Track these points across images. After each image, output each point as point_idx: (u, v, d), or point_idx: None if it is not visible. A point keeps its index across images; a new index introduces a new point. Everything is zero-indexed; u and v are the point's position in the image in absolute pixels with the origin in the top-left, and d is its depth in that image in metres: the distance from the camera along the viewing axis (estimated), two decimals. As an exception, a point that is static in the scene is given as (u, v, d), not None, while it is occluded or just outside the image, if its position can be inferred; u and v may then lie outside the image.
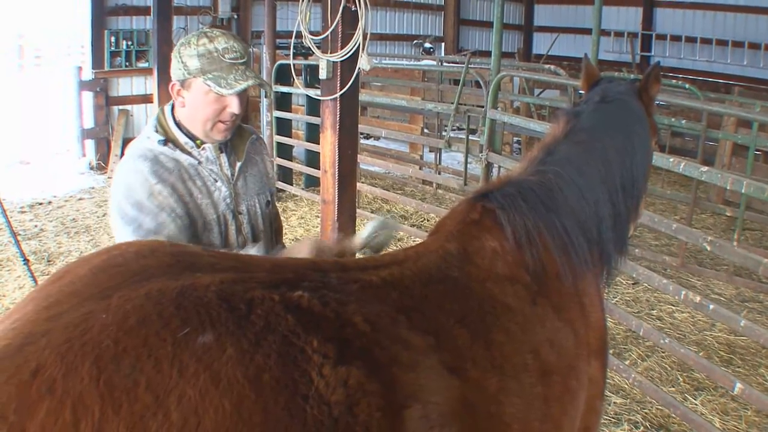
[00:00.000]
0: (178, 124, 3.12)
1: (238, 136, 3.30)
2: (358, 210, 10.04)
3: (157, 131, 3.10)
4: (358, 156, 10.09)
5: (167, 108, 3.18)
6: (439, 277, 2.11)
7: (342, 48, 5.33)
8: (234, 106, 3.02)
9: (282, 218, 10.33)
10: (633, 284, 8.07)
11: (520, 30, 24.54)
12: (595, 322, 2.56)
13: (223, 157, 3.20)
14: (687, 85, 9.07)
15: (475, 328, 2.00)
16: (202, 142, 3.13)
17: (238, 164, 3.27)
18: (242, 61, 3.03)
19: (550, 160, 2.68)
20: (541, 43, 23.07)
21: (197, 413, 1.29)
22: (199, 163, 3.11)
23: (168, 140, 3.08)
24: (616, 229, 2.78)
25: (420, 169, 11.96)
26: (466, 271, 2.21)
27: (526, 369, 2.07)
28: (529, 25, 24.49)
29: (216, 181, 3.15)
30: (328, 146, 5.67)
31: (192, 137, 3.11)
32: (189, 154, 3.09)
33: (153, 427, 1.26)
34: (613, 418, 5.46)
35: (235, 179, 3.25)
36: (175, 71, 3.02)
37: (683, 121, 8.19)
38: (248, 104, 13.08)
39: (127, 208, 2.93)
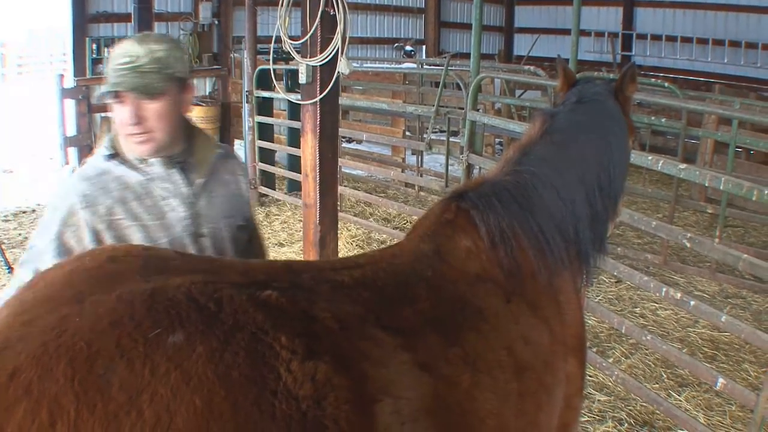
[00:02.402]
0: None
1: (199, 152, 3.01)
2: (340, 213, 10.07)
3: (108, 146, 2.87)
4: (341, 160, 10.12)
5: None
6: (412, 277, 2.15)
7: (321, 52, 5.35)
8: (125, 116, 2.71)
9: (265, 223, 10.28)
10: (616, 282, 8.12)
11: (501, 31, 24.62)
12: (572, 320, 2.59)
13: (176, 174, 2.90)
14: (666, 84, 9.12)
15: (447, 326, 2.04)
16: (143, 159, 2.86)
17: (200, 182, 2.97)
18: (132, 66, 2.70)
19: (525, 160, 2.71)
20: (522, 45, 23.16)
21: (169, 411, 1.33)
22: (150, 180, 2.85)
23: (115, 155, 2.85)
24: (593, 229, 2.80)
25: (402, 171, 11.99)
26: (439, 270, 2.24)
27: (500, 365, 2.10)
28: (510, 26, 24.58)
29: (169, 200, 2.88)
30: (308, 150, 5.69)
31: None
32: (137, 169, 2.84)
33: (127, 425, 1.29)
34: (597, 415, 5.50)
35: (196, 198, 2.95)
36: None
37: (663, 120, 8.23)
38: (230, 109, 13.06)
39: (42, 224, 2.80)
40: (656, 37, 20.00)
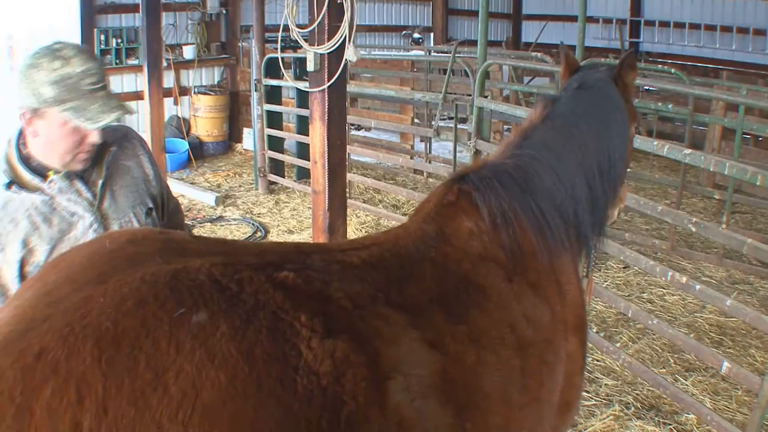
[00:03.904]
0: (24, 159, 2.83)
1: (97, 153, 2.96)
2: (349, 200, 10.10)
3: (4, 171, 2.80)
4: (350, 147, 10.16)
5: (14, 140, 2.87)
6: (416, 257, 2.21)
7: (329, 40, 5.38)
8: (95, 137, 2.77)
9: (275, 210, 10.32)
10: (624, 268, 8.16)
11: (509, 19, 24.54)
12: (572, 300, 2.65)
13: (78, 183, 2.88)
14: (673, 70, 9.12)
15: (453, 304, 2.11)
16: (56, 171, 2.83)
17: (100, 182, 2.95)
18: (101, 85, 2.75)
19: (526, 144, 2.77)
20: (531, 32, 23.05)
21: (195, 387, 1.38)
22: (52, 197, 2.82)
23: (13, 182, 2.78)
24: (594, 212, 2.86)
25: (411, 158, 12.02)
26: (442, 250, 2.30)
27: (504, 342, 2.17)
28: (518, 13, 24.50)
29: (75, 210, 2.86)
30: (317, 137, 5.72)
31: (40, 171, 2.82)
32: (38, 190, 2.80)
33: (154, 401, 1.34)
34: (604, 399, 5.55)
35: (99, 201, 2.93)
36: (26, 97, 2.70)
37: (670, 106, 8.23)
38: (239, 98, 13.11)
39: None
40: (664, 24, 19.90)
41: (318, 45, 5.46)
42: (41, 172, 2.82)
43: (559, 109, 2.95)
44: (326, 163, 5.74)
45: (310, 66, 5.56)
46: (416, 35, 19.94)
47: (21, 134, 2.86)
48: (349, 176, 10.35)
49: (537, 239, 2.53)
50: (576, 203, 2.74)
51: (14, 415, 1.29)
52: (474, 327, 2.09)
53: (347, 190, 10.27)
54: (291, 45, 10.76)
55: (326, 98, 5.59)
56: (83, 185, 2.89)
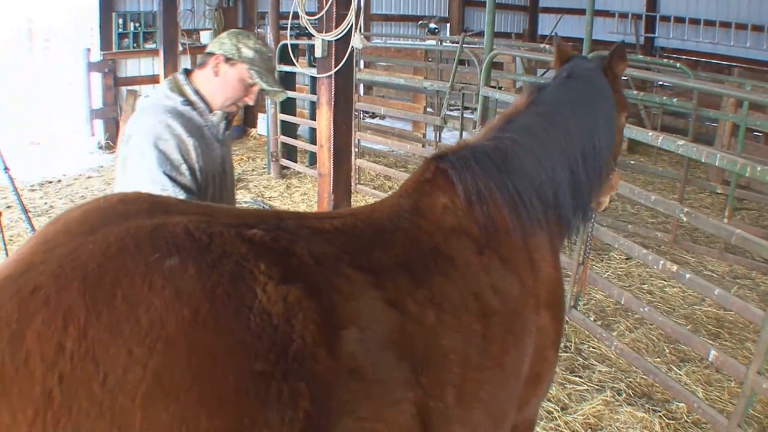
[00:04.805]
0: (195, 91, 3.63)
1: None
2: (359, 186, 10.25)
3: (173, 92, 3.60)
4: (361, 134, 10.28)
5: (180, 76, 3.69)
6: (389, 227, 2.36)
7: (336, 28, 5.52)
8: (253, 99, 3.72)
9: (286, 194, 10.48)
10: (626, 259, 8.24)
11: (526, 11, 24.65)
12: (546, 276, 2.76)
13: (222, 125, 3.75)
14: (678, 65, 9.19)
15: (418, 270, 2.25)
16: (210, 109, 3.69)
17: (227, 133, 3.86)
18: (274, 72, 3.77)
19: (508, 128, 2.87)
20: (547, 24, 23.14)
21: (161, 319, 1.57)
22: (205, 126, 3.64)
23: (190, 102, 3.61)
24: (576, 196, 2.95)
25: (423, 146, 12.13)
26: (415, 223, 2.45)
27: (466, 308, 2.31)
28: (535, 6, 24.58)
29: (214, 143, 3.69)
30: (323, 122, 5.87)
31: (206, 103, 3.65)
32: (201, 116, 3.63)
33: (126, 330, 1.54)
34: (597, 385, 5.63)
35: (224, 145, 3.83)
36: (227, 48, 3.59)
37: (674, 100, 8.27)
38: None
39: (157, 158, 3.38)
40: (679, 20, 19.92)
41: (326, 32, 5.61)
42: (207, 104, 3.67)
43: (545, 96, 3.04)
44: (332, 147, 5.88)
45: (318, 52, 5.71)
46: (432, 25, 20.03)
47: (187, 72, 3.72)
48: (359, 162, 10.49)
49: (511, 217, 2.64)
50: (556, 186, 2.82)
51: (9, 339, 1.49)
52: (437, 292, 2.24)
53: (357, 175, 10.42)
54: (305, 32, 10.91)
55: (333, 84, 5.73)
56: (222, 128, 3.76)
